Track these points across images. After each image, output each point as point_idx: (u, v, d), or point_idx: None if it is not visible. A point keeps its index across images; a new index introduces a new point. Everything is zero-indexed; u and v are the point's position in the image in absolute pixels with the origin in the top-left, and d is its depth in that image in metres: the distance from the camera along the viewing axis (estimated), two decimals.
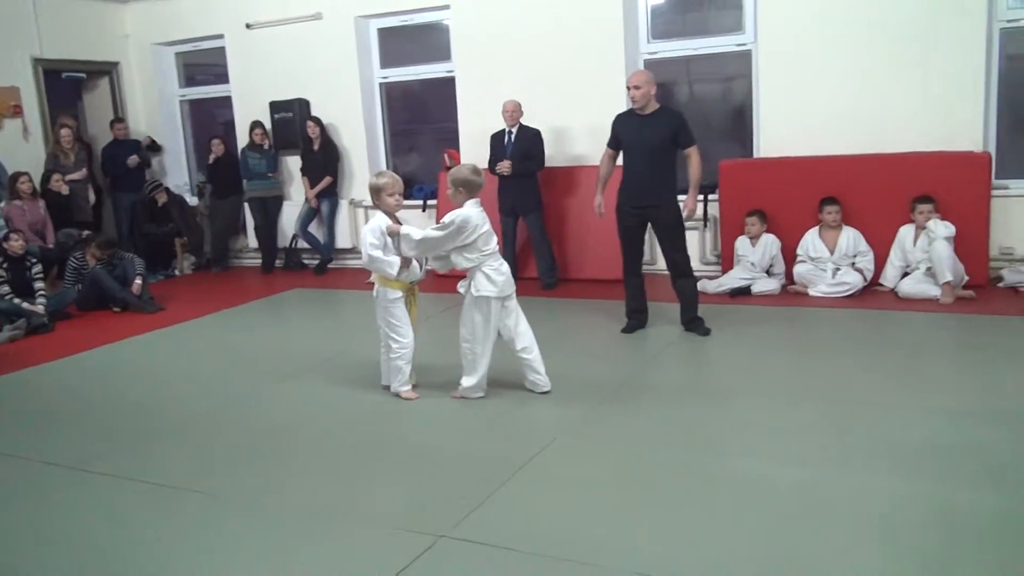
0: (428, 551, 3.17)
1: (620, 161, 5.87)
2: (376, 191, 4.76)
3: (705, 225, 7.64)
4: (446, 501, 3.55)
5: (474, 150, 8.32)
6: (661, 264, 7.13)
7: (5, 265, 7.31)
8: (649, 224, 5.79)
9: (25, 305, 7.23)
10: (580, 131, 8.00)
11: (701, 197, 6.67)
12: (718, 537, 3.14)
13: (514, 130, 7.59)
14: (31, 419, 5.05)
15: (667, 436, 4.13)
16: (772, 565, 2.93)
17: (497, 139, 7.73)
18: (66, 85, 10.17)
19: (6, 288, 7.26)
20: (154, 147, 10.25)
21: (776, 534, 3.14)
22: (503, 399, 4.77)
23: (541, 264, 7.73)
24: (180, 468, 4.10)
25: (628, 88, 5.67)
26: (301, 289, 8.54)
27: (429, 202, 8.87)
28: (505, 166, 7.49)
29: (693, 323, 5.83)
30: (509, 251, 7.91)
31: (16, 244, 7.35)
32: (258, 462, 4.13)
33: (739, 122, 7.92)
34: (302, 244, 9.52)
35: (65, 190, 8.81)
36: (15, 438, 4.68)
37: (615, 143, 5.82)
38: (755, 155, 7.61)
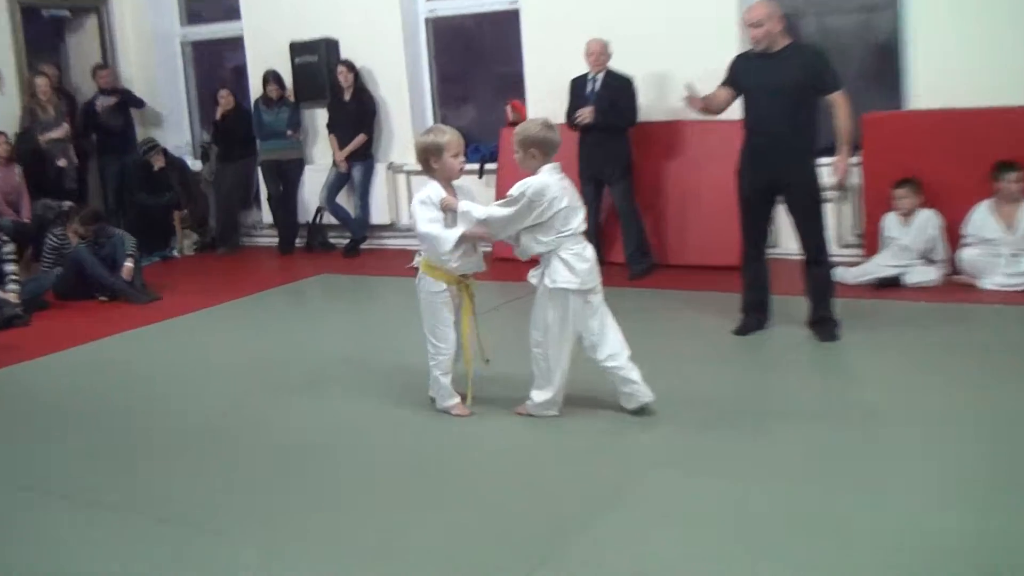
0: None
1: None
2: (435, 151, 4.59)
3: (843, 196, 7.41)
4: (510, 549, 3.49)
5: (544, 101, 8.22)
6: (786, 247, 6.94)
7: None
8: (778, 194, 5.66)
9: None
10: (681, 78, 7.78)
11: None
12: None
13: (599, 76, 7.51)
14: (3, 434, 5.12)
15: (792, 471, 4.01)
16: None
17: (578, 85, 7.64)
18: (47, 26, 10.36)
19: None
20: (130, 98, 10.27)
21: None
22: (583, 419, 4.68)
23: (629, 246, 7.63)
24: (180, 498, 4.10)
25: (746, 26, 5.53)
26: (327, 275, 8.55)
27: (487, 166, 8.81)
28: (586, 113, 7.40)
29: (821, 324, 5.70)
30: (590, 229, 7.78)
31: None
32: (275, 495, 4.09)
33: (884, 64, 7.72)
34: (329, 219, 9.56)
35: (63, 163, 8.98)
36: None
37: (731, 83, 5.73)
38: (906, 106, 7.40)
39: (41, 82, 9.27)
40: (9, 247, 7.65)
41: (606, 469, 4.12)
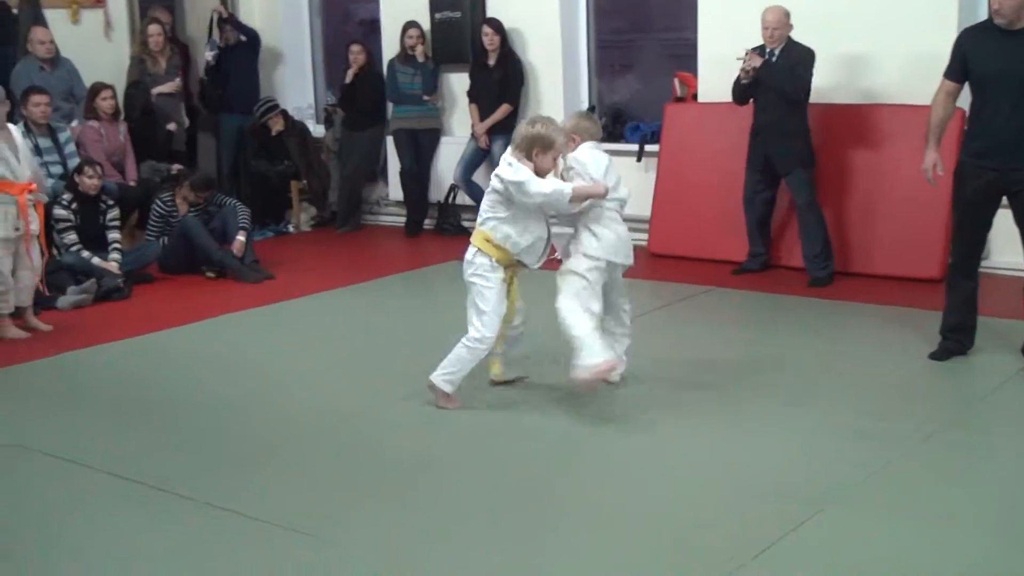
0: None
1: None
2: (546, 145, 5.02)
3: None
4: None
5: (717, 72, 8.20)
6: (1000, 259, 6.75)
7: (75, 206, 7.85)
8: (1006, 198, 5.52)
9: (96, 261, 7.75)
10: (876, 56, 7.70)
11: None
12: None
13: (777, 50, 7.43)
14: (95, 415, 5.42)
15: (991, 521, 3.96)
16: None
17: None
18: None
19: (74, 236, 7.80)
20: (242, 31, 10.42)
21: None
22: (739, 444, 4.74)
23: (809, 248, 7.55)
24: (281, 500, 4.31)
25: None
26: (458, 262, 8.59)
27: (649, 147, 8.82)
28: (755, 56, 7.36)
29: None
30: (755, 225, 7.77)
31: (92, 181, 7.87)
32: (385, 504, 4.26)
33: None
34: (463, 199, 9.68)
35: (172, 127, 9.38)
36: (75, 438, 5.04)
37: (959, 73, 5.57)
38: None
39: (153, 30, 9.63)
40: (113, 212, 8.02)
41: (771, 501, 4.13)
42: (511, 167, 4.96)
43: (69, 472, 4.68)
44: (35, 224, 6.71)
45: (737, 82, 7.53)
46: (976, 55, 5.48)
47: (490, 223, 5.07)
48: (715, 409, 5.19)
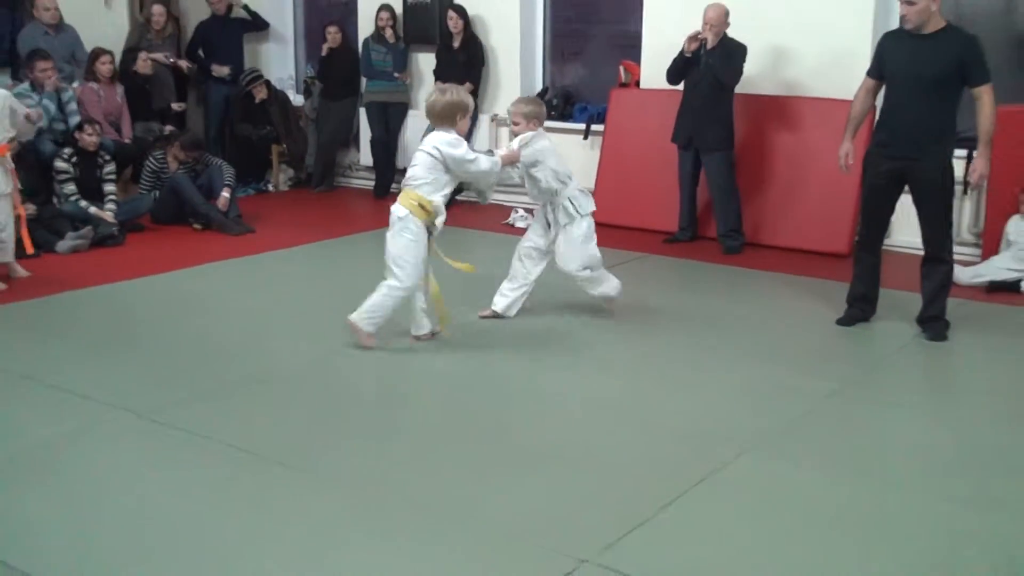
0: None
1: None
2: (464, 110, 5.25)
3: (965, 192, 7.26)
4: (594, 517, 3.57)
5: (660, 63, 8.17)
6: (901, 238, 6.82)
7: (75, 160, 7.74)
8: (906, 185, 5.57)
9: (93, 210, 7.67)
10: (798, 52, 7.71)
11: (963, 154, 6.31)
12: None
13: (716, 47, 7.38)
14: (91, 351, 5.35)
15: (887, 469, 4.03)
16: None
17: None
18: None
19: (73, 187, 7.71)
20: (254, 19, 10.41)
21: None
22: (676, 397, 4.78)
23: (723, 222, 7.59)
24: (261, 432, 4.30)
25: (900, 1, 5.35)
26: None
27: (594, 127, 8.80)
28: (705, 32, 7.31)
29: (931, 322, 5.61)
30: (686, 200, 7.76)
31: (91, 138, 7.77)
32: (354, 439, 4.26)
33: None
34: None
35: (148, 70, 9.18)
36: (74, 373, 4.97)
37: (878, 71, 5.58)
38: None
39: (157, 10, 9.59)
40: (110, 167, 7.96)
41: (700, 445, 4.17)
42: (452, 144, 5.11)
43: (65, 402, 4.61)
44: (4, 185, 6.47)
45: (676, 59, 7.48)
46: (890, 56, 5.50)
47: (425, 188, 5.14)
48: (644, 362, 5.24)
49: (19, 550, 3.33)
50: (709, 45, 7.35)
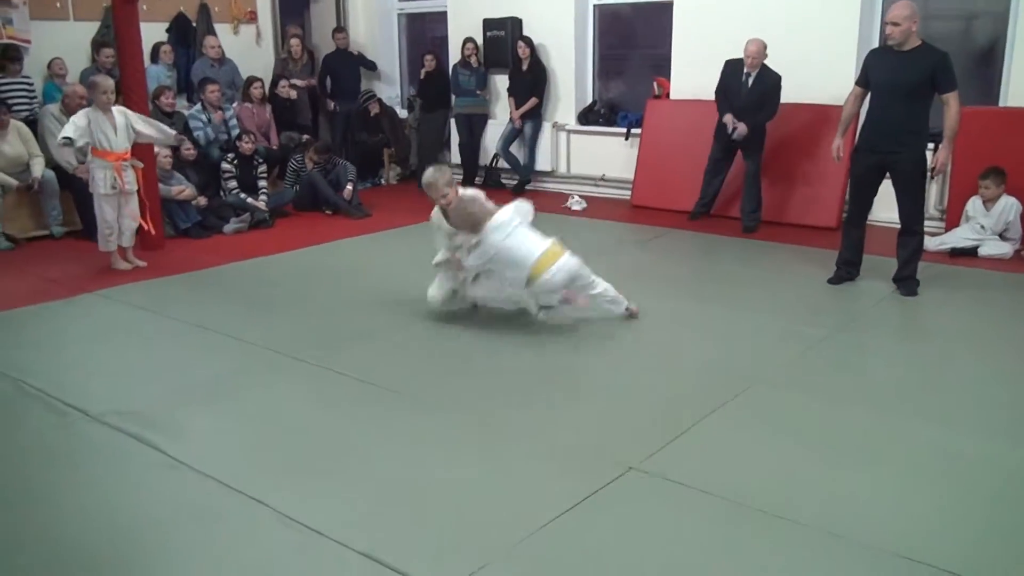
0: (615, 481, 3.18)
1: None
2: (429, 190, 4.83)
3: (931, 177, 7.00)
4: (637, 435, 3.55)
5: (686, 79, 8.05)
6: (881, 215, 6.62)
7: (236, 162, 7.83)
8: (889, 173, 5.38)
9: (249, 200, 7.76)
10: (801, 64, 7.50)
11: (932, 147, 6.10)
12: (904, 499, 2.98)
13: (754, 73, 7.07)
14: (249, 307, 5.43)
15: (869, 396, 3.94)
16: (979, 538, 2.72)
17: (733, 70, 7.15)
18: None
19: (234, 183, 7.80)
20: (365, 62, 10.48)
21: (986, 513, 2.91)
22: (698, 341, 4.71)
23: (748, 204, 7.37)
24: (380, 369, 4.32)
25: (885, 24, 5.17)
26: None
27: (634, 131, 8.67)
28: (741, 129, 7.03)
29: (905, 281, 5.46)
30: (713, 187, 7.59)
31: (248, 145, 7.87)
32: (450, 376, 4.27)
33: (983, 66, 7.21)
34: (502, 163, 9.60)
35: (293, 95, 9.25)
36: (236, 324, 5.06)
37: (865, 81, 5.41)
38: (1002, 103, 6.90)
39: (295, 43, 9.61)
40: (263, 167, 8.02)
41: (718, 379, 4.11)
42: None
43: (229, 345, 4.70)
44: (131, 184, 6.13)
45: (722, 122, 7.18)
46: (875, 68, 5.33)
47: None
48: (673, 314, 5.14)
49: (201, 458, 3.42)
50: (747, 70, 7.01)
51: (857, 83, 5.48)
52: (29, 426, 3.76)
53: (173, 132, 6.66)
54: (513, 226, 4.65)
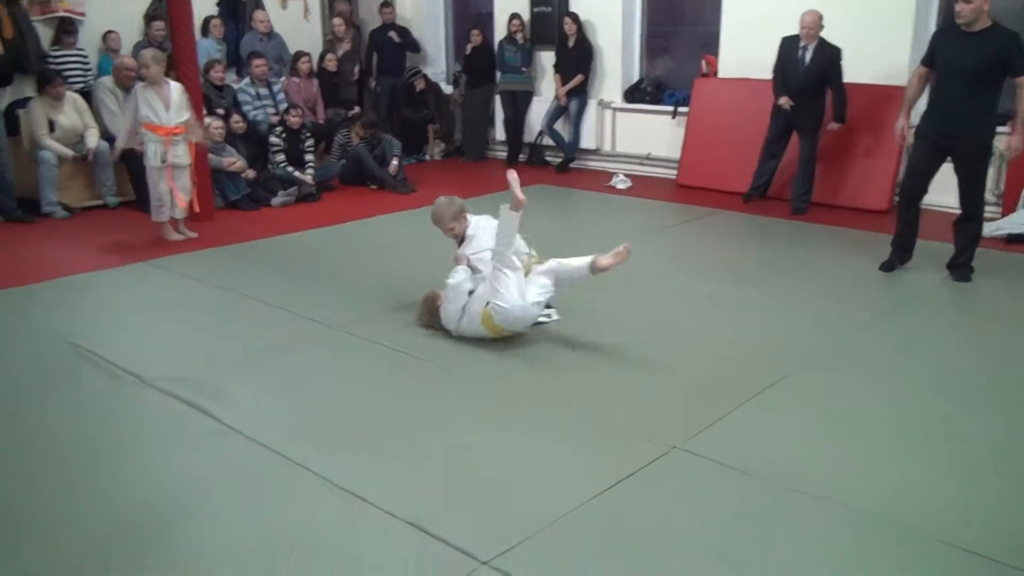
0: (659, 459, 3.17)
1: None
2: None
3: (1006, 162, 6.81)
4: (681, 415, 3.53)
5: (735, 57, 7.91)
6: (937, 199, 6.47)
7: (284, 136, 7.88)
8: (949, 155, 5.23)
9: (297, 174, 7.82)
10: (858, 45, 7.32)
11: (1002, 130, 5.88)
12: (952, 485, 2.93)
13: (811, 46, 6.89)
14: (295, 278, 5.49)
15: (917, 382, 3.87)
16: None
17: (789, 46, 6.97)
18: None
19: (282, 157, 7.86)
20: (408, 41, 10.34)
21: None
22: (746, 322, 4.66)
23: (799, 187, 7.21)
24: (420, 342, 4.36)
25: (956, 1, 4.99)
26: (543, 186, 8.62)
27: (681, 109, 8.56)
28: (785, 102, 6.91)
29: (960, 267, 5.33)
30: (769, 169, 7.43)
31: (295, 119, 7.92)
32: (486, 349, 4.26)
33: None
34: (547, 141, 9.54)
35: (332, 67, 9.26)
36: (282, 294, 5.12)
37: (930, 60, 5.23)
38: None
39: (337, 22, 9.62)
40: (310, 141, 8.07)
41: (765, 363, 4.06)
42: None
43: (276, 315, 4.76)
44: (181, 158, 6.12)
45: (778, 89, 7.05)
46: (941, 48, 5.15)
47: None
48: (719, 295, 5.10)
49: (249, 423, 3.47)
50: (803, 43, 6.87)
51: (922, 62, 5.31)
52: (86, 389, 3.85)
53: (201, 130, 6.60)
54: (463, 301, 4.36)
